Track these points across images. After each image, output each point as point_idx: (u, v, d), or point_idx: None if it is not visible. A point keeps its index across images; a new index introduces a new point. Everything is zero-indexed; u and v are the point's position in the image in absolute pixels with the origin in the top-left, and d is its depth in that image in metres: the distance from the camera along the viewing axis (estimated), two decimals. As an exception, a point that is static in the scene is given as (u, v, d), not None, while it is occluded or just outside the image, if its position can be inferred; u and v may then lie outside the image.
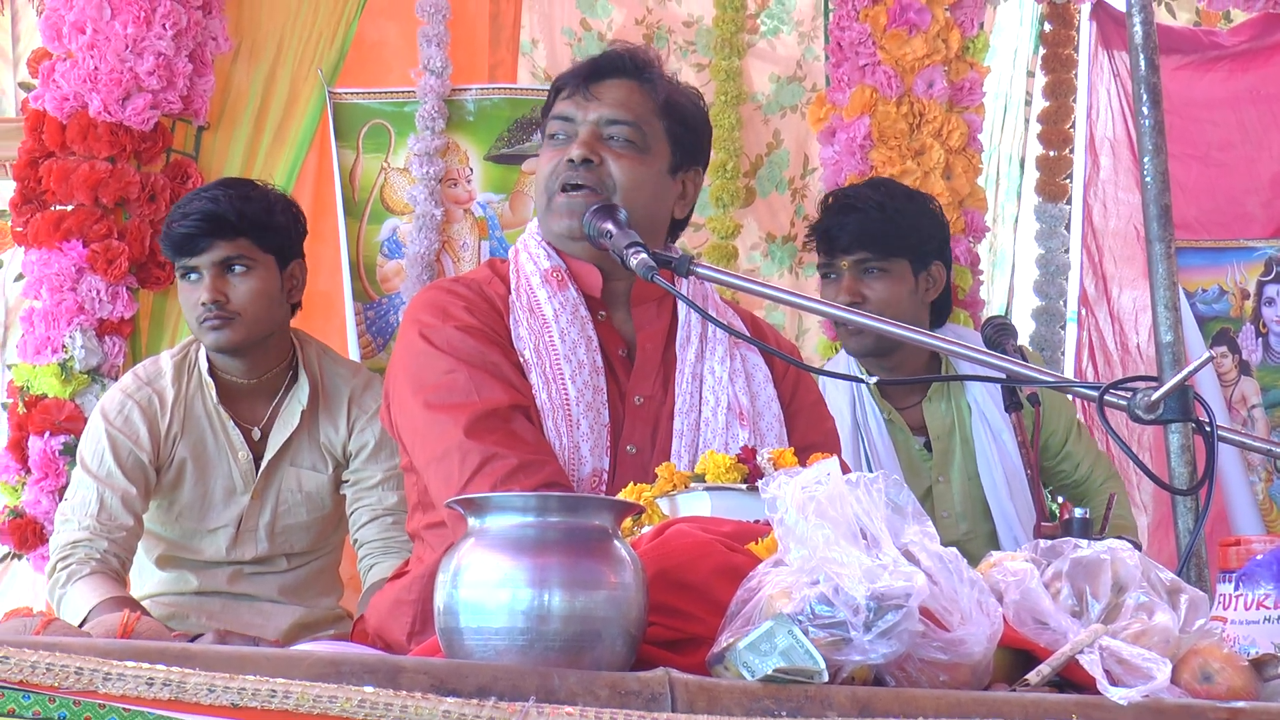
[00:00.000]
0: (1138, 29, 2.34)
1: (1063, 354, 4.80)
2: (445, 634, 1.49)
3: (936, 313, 3.63)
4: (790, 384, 2.54)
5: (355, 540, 3.36)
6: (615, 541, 1.51)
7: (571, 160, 2.42)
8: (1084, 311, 4.86)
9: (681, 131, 2.50)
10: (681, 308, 2.48)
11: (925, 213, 3.57)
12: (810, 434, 2.51)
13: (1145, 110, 2.31)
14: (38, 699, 1.21)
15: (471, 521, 1.52)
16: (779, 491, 1.53)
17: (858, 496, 1.52)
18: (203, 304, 3.15)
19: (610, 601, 1.46)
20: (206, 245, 3.15)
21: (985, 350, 2.37)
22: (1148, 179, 2.31)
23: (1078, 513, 2.79)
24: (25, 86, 4.35)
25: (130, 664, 1.24)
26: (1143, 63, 2.33)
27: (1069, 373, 4.81)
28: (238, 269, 3.17)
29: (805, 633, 1.42)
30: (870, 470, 3.44)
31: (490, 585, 1.46)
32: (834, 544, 1.47)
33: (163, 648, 1.28)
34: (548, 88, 2.59)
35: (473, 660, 1.45)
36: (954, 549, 1.55)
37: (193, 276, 3.19)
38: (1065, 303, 4.78)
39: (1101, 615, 1.59)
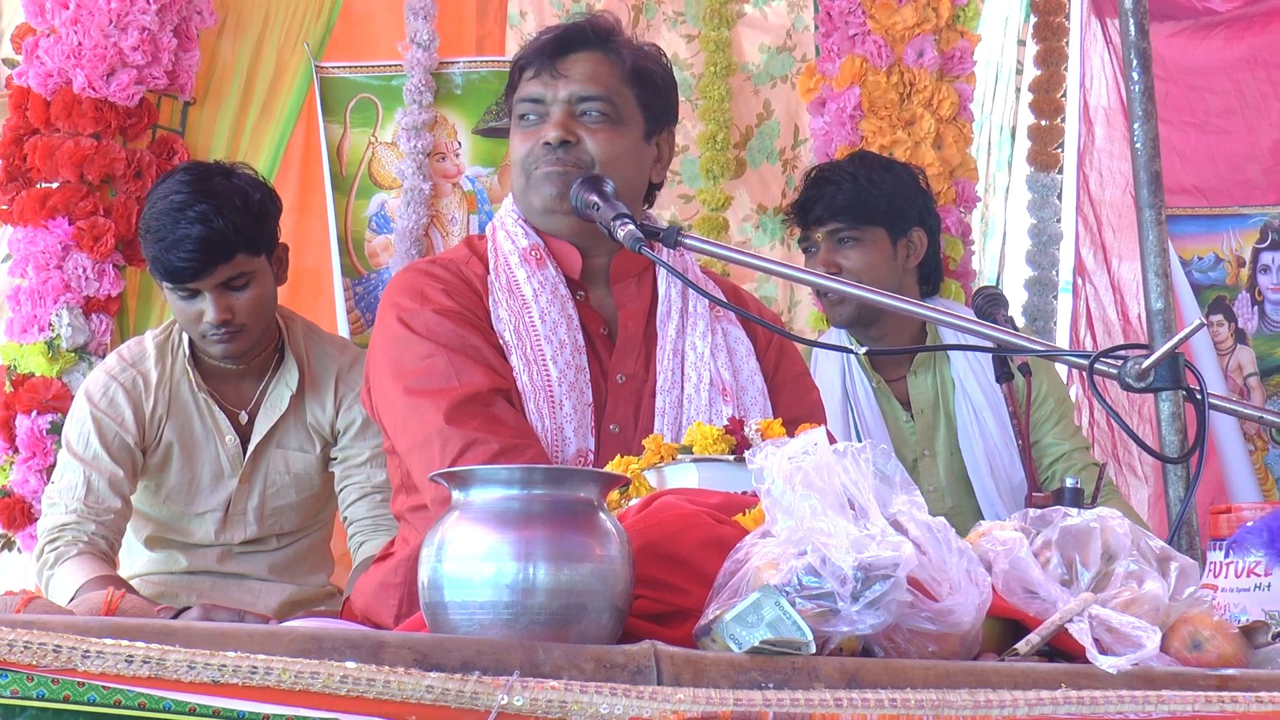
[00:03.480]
0: (1128, -6, 2.33)
1: (1054, 324, 4.78)
2: (430, 608, 1.48)
3: (925, 281, 3.65)
4: (774, 357, 2.52)
5: (344, 518, 3.34)
6: (601, 514, 1.50)
7: (548, 143, 2.39)
8: (1080, 281, 4.84)
9: (651, 97, 2.48)
10: (662, 283, 2.46)
11: (902, 181, 3.60)
12: (795, 407, 2.49)
13: (1135, 76, 2.29)
14: (15, 677, 1.20)
15: (455, 495, 1.50)
16: (766, 462, 1.52)
17: (845, 467, 1.51)
18: (208, 322, 3.08)
19: (596, 574, 1.45)
20: (208, 273, 3.04)
21: (975, 320, 2.36)
22: (1138, 145, 2.30)
23: (1068, 482, 2.79)
24: (9, 63, 4.30)
25: (109, 641, 1.23)
26: (1133, 28, 2.32)
27: (1064, 343, 4.80)
28: (239, 284, 3.08)
29: (792, 604, 1.41)
30: (857, 434, 3.51)
31: (475, 559, 1.44)
32: (821, 514, 1.45)
33: (142, 624, 1.27)
34: None
35: (457, 634, 1.44)
36: (942, 518, 1.54)
37: (189, 295, 3.09)
38: (1058, 273, 4.77)
39: (1091, 584, 1.58)
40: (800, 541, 1.47)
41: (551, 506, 1.47)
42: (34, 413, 3.70)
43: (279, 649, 1.25)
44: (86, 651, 1.22)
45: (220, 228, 3.03)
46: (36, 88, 3.77)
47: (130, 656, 1.22)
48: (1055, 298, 4.76)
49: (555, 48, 2.43)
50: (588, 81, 2.41)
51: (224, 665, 1.23)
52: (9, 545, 3.95)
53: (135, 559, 3.38)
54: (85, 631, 1.23)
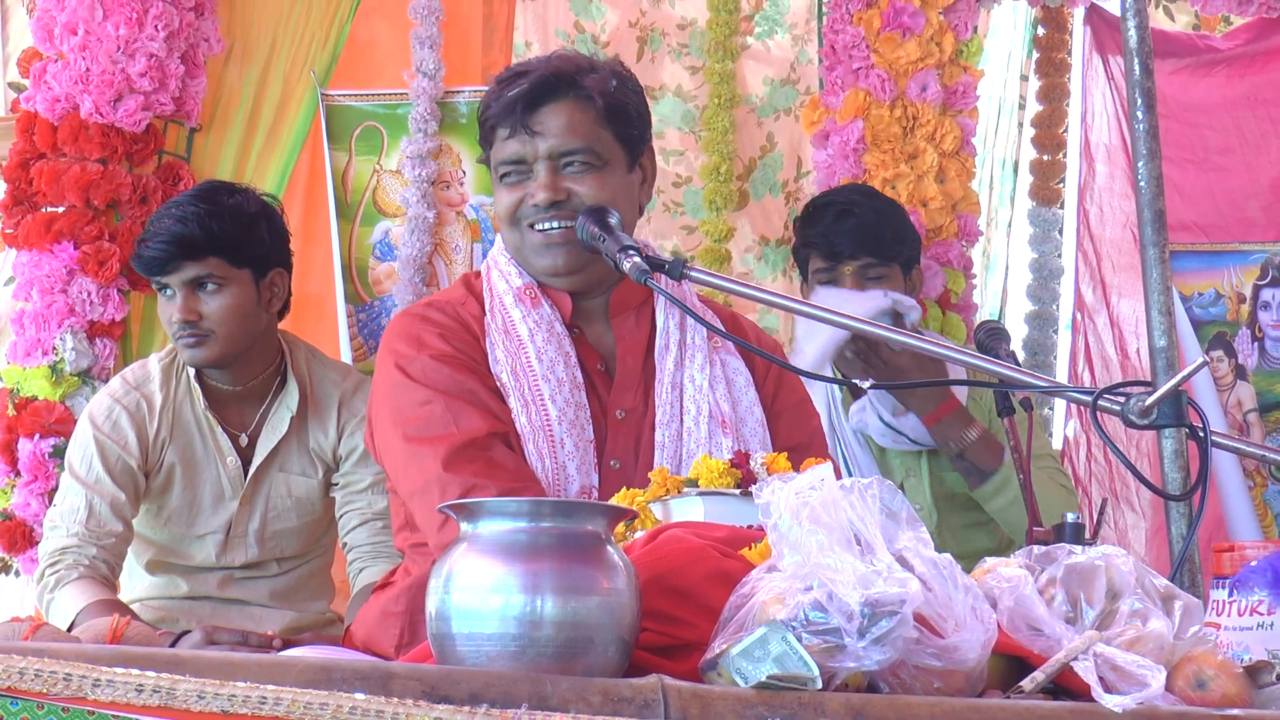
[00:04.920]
0: (1132, 33, 2.34)
1: (1054, 359, 4.80)
2: (437, 639, 1.48)
3: None
4: (772, 385, 2.52)
5: (344, 544, 3.34)
6: (608, 547, 1.50)
7: (537, 205, 2.38)
8: (1080, 316, 4.85)
9: (627, 129, 2.46)
10: (660, 316, 2.46)
11: (905, 218, 3.66)
12: (794, 434, 2.50)
13: (1140, 115, 2.30)
14: (25, 705, 1.20)
15: (464, 527, 1.51)
16: (772, 497, 1.52)
17: (851, 502, 1.52)
18: (175, 322, 3.13)
19: (603, 607, 1.46)
20: (175, 266, 3.10)
21: (976, 354, 2.36)
22: (1142, 184, 2.30)
23: (1069, 517, 2.80)
24: (15, 86, 4.32)
25: (120, 670, 1.23)
26: (1137, 67, 2.32)
27: (1063, 378, 4.80)
28: (209, 287, 3.13)
29: (799, 639, 1.41)
30: (846, 463, 3.53)
31: (483, 590, 1.45)
32: (828, 550, 1.46)
33: (152, 653, 1.27)
34: None
35: (465, 666, 1.44)
36: (948, 555, 1.54)
37: (167, 292, 3.16)
38: (1058, 307, 4.78)
39: (1096, 622, 1.58)
40: (807, 577, 1.47)
41: (559, 539, 1.48)
42: (36, 436, 3.71)
43: (288, 679, 1.26)
44: (97, 680, 1.22)
45: (196, 225, 3.09)
46: (44, 112, 3.79)
47: (140, 686, 1.22)
48: (1055, 332, 4.78)
49: (525, 104, 2.39)
50: (565, 135, 2.39)
51: (233, 695, 1.23)
52: (7, 569, 3.94)
53: (136, 583, 3.38)
54: (96, 660, 1.24)
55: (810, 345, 3.38)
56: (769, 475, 1.87)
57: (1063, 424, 4.84)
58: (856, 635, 1.41)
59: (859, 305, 3.38)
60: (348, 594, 3.70)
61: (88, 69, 3.75)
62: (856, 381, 2.18)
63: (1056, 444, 4.74)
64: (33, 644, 1.30)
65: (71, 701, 1.21)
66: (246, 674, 1.25)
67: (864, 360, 3.44)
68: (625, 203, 2.44)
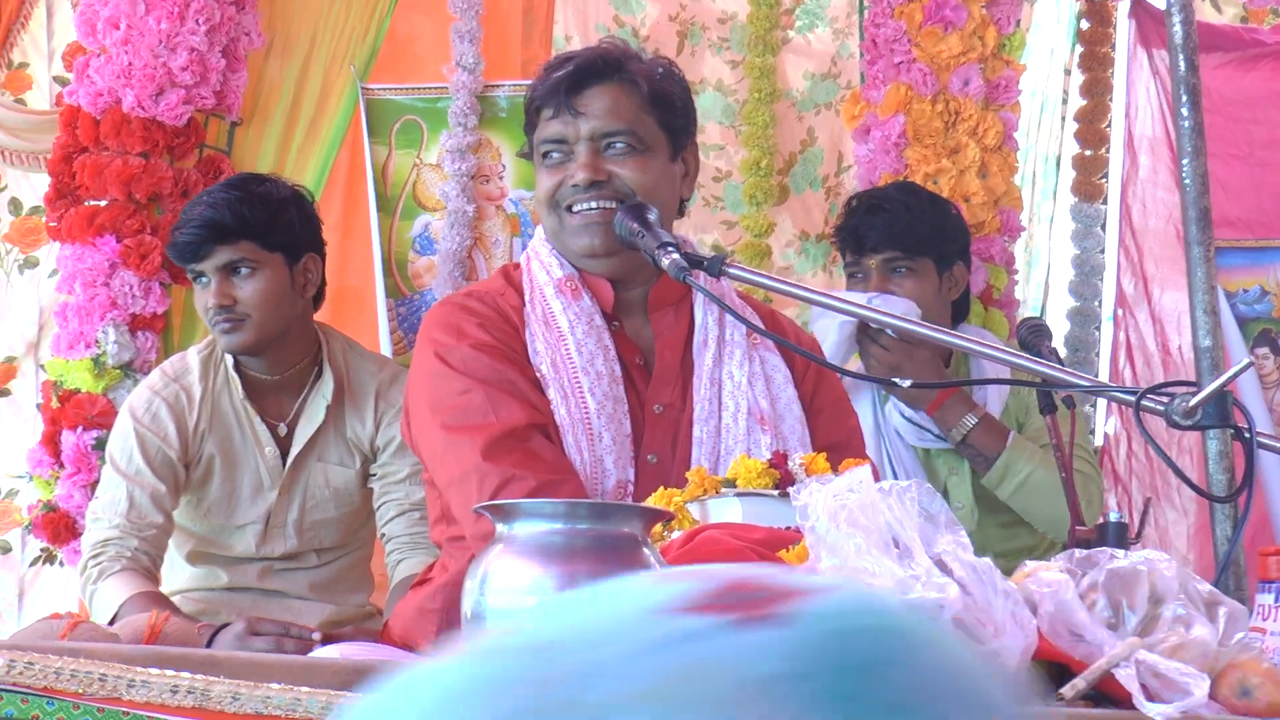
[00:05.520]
0: (1177, 29, 2.31)
1: (1097, 355, 4.76)
2: (472, 641, 1.48)
3: (956, 314, 3.67)
4: (811, 382, 2.50)
5: (382, 535, 3.35)
6: (645, 549, 1.49)
7: (576, 185, 2.37)
8: (1121, 312, 4.81)
9: (671, 117, 2.45)
10: (699, 311, 2.45)
11: (948, 214, 3.62)
12: (834, 433, 2.48)
13: (1185, 112, 2.28)
14: (61, 705, 1.21)
15: (500, 528, 1.50)
16: (810, 499, 1.51)
17: (890, 505, 1.50)
18: (211, 308, 3.16)
19: (639, 610, 1.45)
20: (208, 251, 3.13)
21: (1018, 353, 2.34)
22: (1187, 181, 2.28)
23: (1112, 517, 2.77)
24: (60, 80, 4.36)
25: (155, 671, 1.23)
26: (1182, 63, 2.30)
27: (1104, 374, 4.77)
28: (243, 271, 3.15)
29: (836, 644, 1.40)
30: (890, 462, 3.52)
31: (518, 592, 1.44)
32: (865, 554, 1.45)
33: (187, 654, 1.27)
34: None
35: (500, 668, 1.43)
36: (988, 559, 1.53)
37: (202, 280, 3.18)
38: (1100, 303, 4.74)
39: (1138, 628, 1.56)
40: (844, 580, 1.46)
41: (595, 541, 1.47)
42: (79, 429, 3.73)
43: (322, 681, 1.26)
44: (132, 681, 1.22)
45: (227, 210, 3.12)
46: (86, 106, 3.81)
47: (175, 687, 1.22)
48: (1097, 328, 4.74)
49: (570, 84, 2.39)
50: (608, 116, 2.39)
51: (268, 697, 1.23)
52: (52, 559, 3.98)
53: (177, 575, 3.40)
54: (131, 660, 1.24)
55: (820, 327, 3.39)
56: (807, 476, 1.86)
57: (1103, 421, 4.80)
58: (894, 641, 1.39)
59: (832, 320, 3.40)
60: (387, 587, 3.72)
61: (130, 63, 3.77)
62: (896, 381, 2.16)
63: (1097, 441, 4.70)
64: (69, 644, 1.31)
65: (107, 702, 1.21)
66: (281, 676, 1.25)
67: (861, 355, 3.45)
68: (666, 192, 2.44)
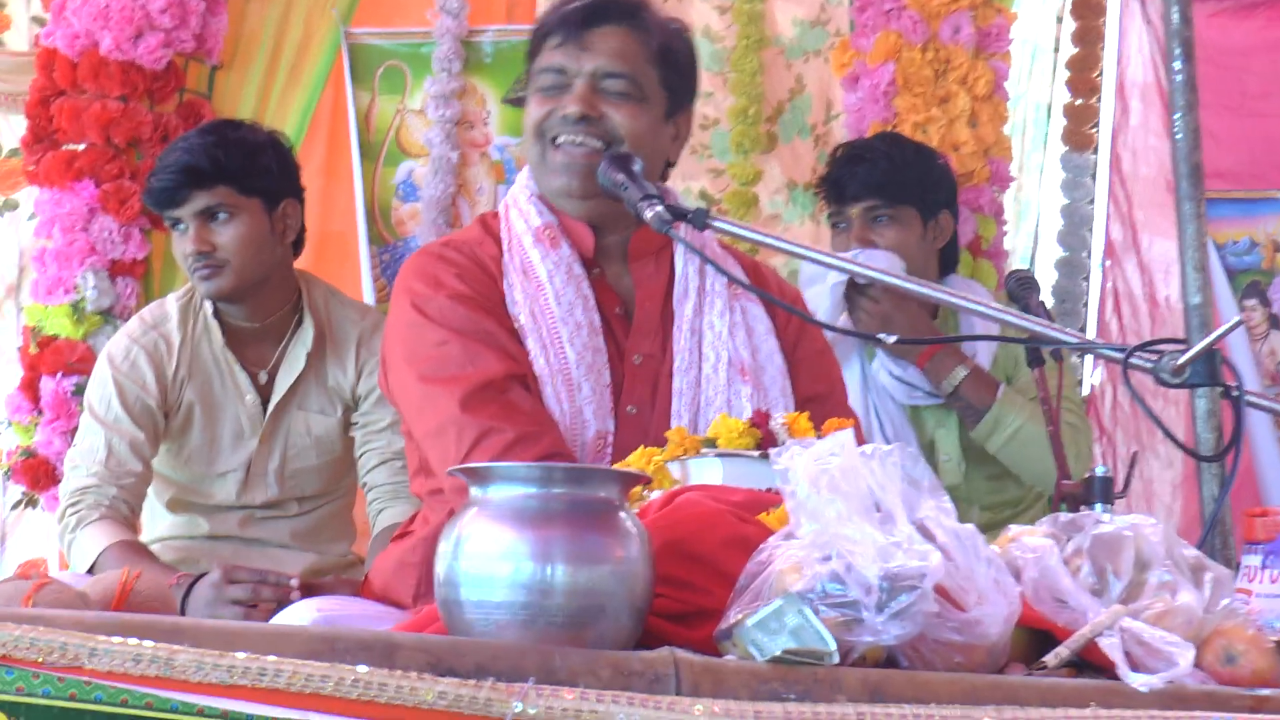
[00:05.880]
0: (1172, -20, 2.27)
1: (1084, 306, 4.73)
2: (445, 605, 1.45)
3: (944, 264, 3.64)
4: (793, 334, 2.47)
5: (364, 484, 3.33)
6: (621, 513, 1.47)
7: (567, 116, 2.34)
8: (1109, 262, 4.78)
9: (674, 77, 2.42)
10: (679, 261, 2.41)
11: (932, 163, 3.60)
12: (815, 384, 2.45)
13: (1177, 65, 2.24)
14: (21, 674, 1.18)
15: (474, 491, 1.48)
16: (791, 463, 1.48)
17: (872, 469, 1.48)
18: (189, 254, 3.12)
19: (615, 576, 1.42)
20: (185, 197, 3.10)
21: (1004, 309, 2.31)
22: (1178, 136, 2.25)
23: (1099, 471, 2.75)
24: (39, 21, 4.29)
25: (117, 640, 1.20)
26: (1175, 15, 2.26)
27: (1091, 324, 4.75)
28: (220, 216, 3.13)
29: (816, 612, 1.38)
30: (877, 416, 3.50)
31: (492, 557, 1.42)
32: (847, 520, 1.42)
33: (151, 621, 1.25)
34: None
35: (472, 633, 1.41)
36: (971, 525, 1.50)
37: (180, 227, 3.16)
38: (1089, 254, 4.71)
39: (1123, 594, 1.54)
40: (825, 546, 1.44)
41: (571, 505, 1.44)
42: (59, 375, 3.70)
43: (290, 650, 1.23)
44: (94, 650, 1.19)
45: (203, 155, 3.09)
46: (64, 49, 3.75)
47: (138, 656, 1.20)
48: (1085, 279, 4.71)
49: (583, 18, 2.37)
50: (614, 57, 2.36)
51: (233, 667, 1.20)
52: (33, 503, 3.96)
53: (157, 523, 3.38)
54: (94, 628, 1.21)
55: (811, 295, 3.35)
56: (790, 436, 1.83)
57: (1089, 372, 4.78)
58: (875, 609, 1.37)
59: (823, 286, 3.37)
60: (369, 536, 3.70)
61: (107, 5, 3.71)
62: (881, 336, 2.13)
63: (1084, 392, 4.68)
64: (30, 610, 1.28)
65: (67, 671, 1.19)
66: (247, 644, 1.22)
67: (850, 309, 3.43)
68: (653, 147, 2.40)
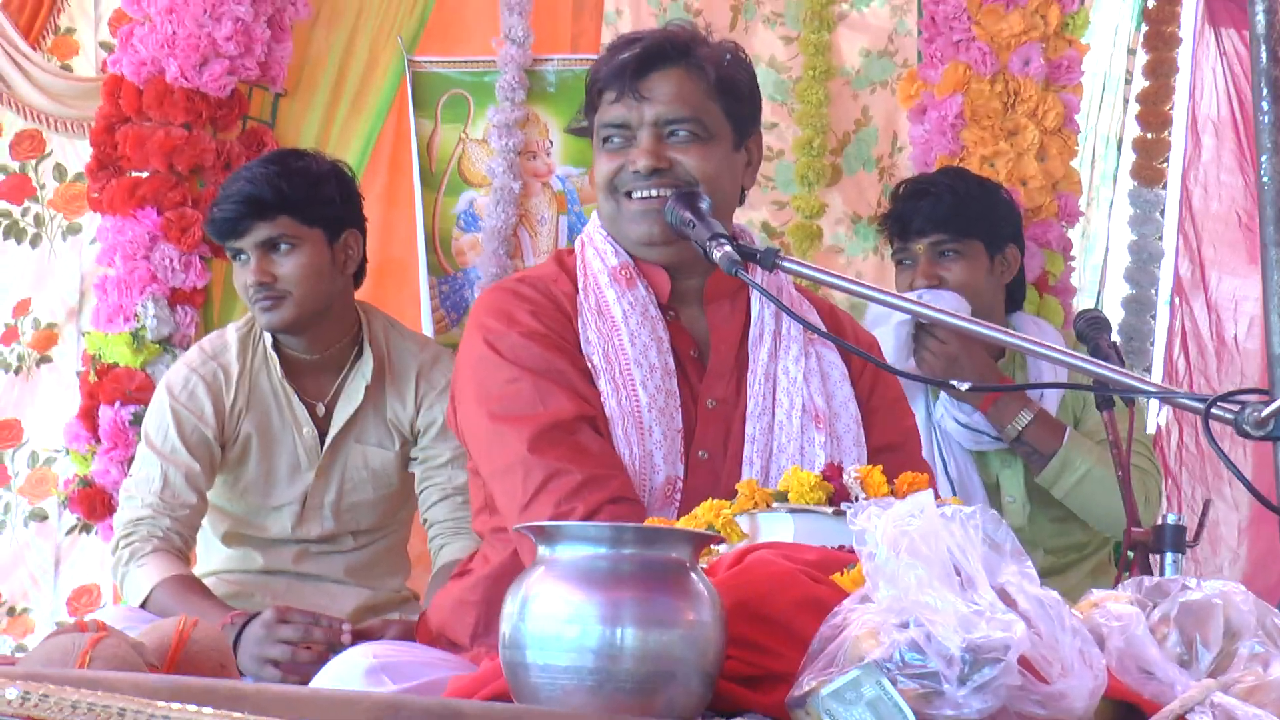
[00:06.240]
0: (1260, 18, 2.20)
1: (1151, 344, 4.65)
2: (510, 667, 1.41)
3: (1011, 300, 3.59)
4: (869, 381, 2.43)
5: (425, 520, 3.30)
6: (693, 575, 1.42)
7: (637, 171, 2.30)
8: (1178, 300, 4.70)
9: (737, 106, 2.38)
10: (755, 305, 2.37)
11: (997, 197, 3.55)
12: (889, 433, 2.41)
13: (1265, 105, 2.16)
14: (78, 740, 1.15)
15: (541, 550, 1.43)
16: (869, 524, 1.44)
17: (953, 532, 1.43)
18: (250, 285, 3.10)
19: (686, 640, 1.38)
20: (247, 227, 3.09)
21: (1076, 354, 2.24)
22: (1265, 179, 2.17)
23: (1170, 519, 2.68)
24: (106, 47, 4.30)
25: (176, 706, 1.16)
26: (1264, 54, 2.19)
27: (1158, 363, 4.67)
28: (282, 247, 3.11)
29: (894, 683, 1.32)
30: (941, 456, 3.43)
31: (559, 619, 1.37)
32: (927, 586, 1.37)
33: (210, 686, 1.21)
34: None
35: (538, 698, 1.37)
36: (1055, 592, 1.45)
37: (241, 258, 3.14)
38: (1156, 291, 4.63)
39: (1212, 666, 1.48)
40: (903, 612, 1.38)
41: (641, 567, 1.40)
42: (117, 403, 3.69)
43: (352, 717, 1.19)
44: (152, 716, 1.16)
45: (265, 185, 3.08)
46: (130, 76, 3.75)
47: (198, 723, 1.16)
48: (1153, 317, 4.63)
49: (636, 68, 2.32)
50: (673, 102, 2.32)
51: (295, 735, 1.17)
52: (88, 528, 3.95)
53: (212, 556, 3.36)
54: (154, 694, 1.18)
55: (878, 335, 3.32)
56: (862, 490, 1.78)
57: (1155, 412, 4.70)
58: (957, 682, 1.32)
59: (887, 328, 3.32)
60: (424, 569, 3.67)
61: (174, 32, 3.71)
62: (955, 384, 2.08)
63: (1149, 430, 4.59)
64: (88, 673, 1.25)
65: (126, 737, 1.15)
66: (310, 711, 1.19)
67: (915, 349, 3.38)
68: (727, 181, 2.36)
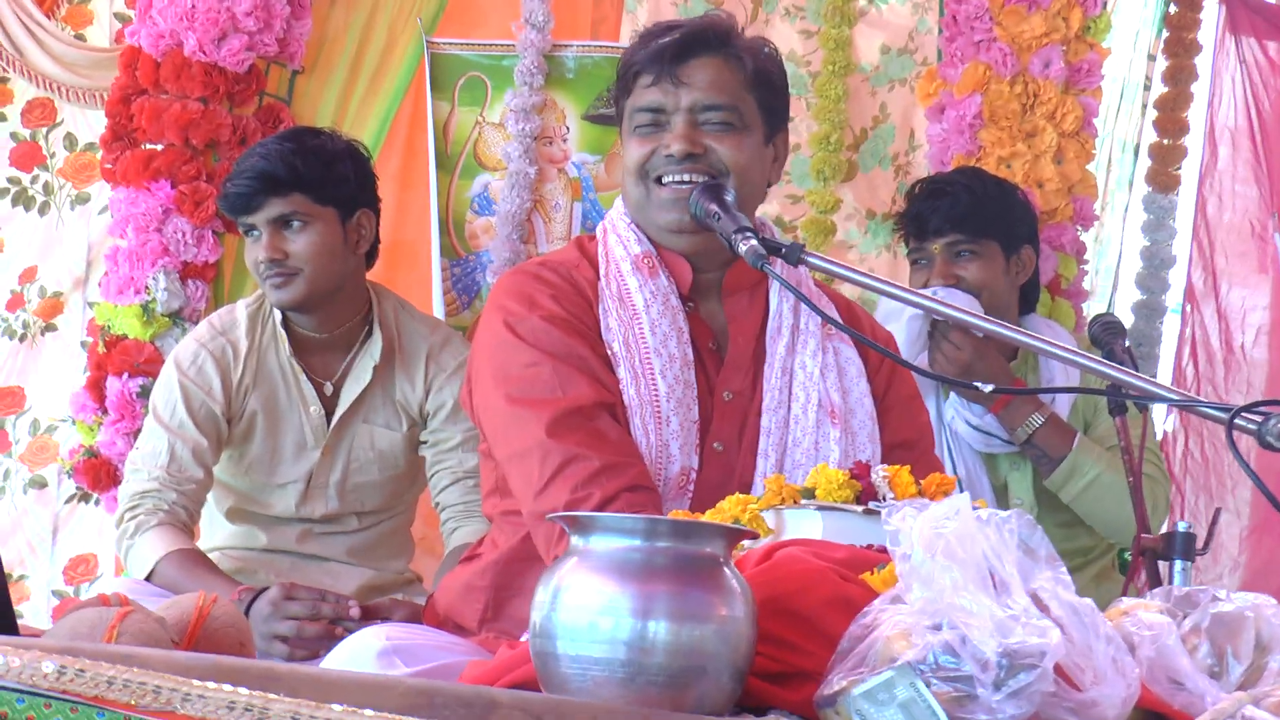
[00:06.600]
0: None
1: (1159, 350, 4.64)
2: (540, 657, 1.40)
3: (1025, 300, 3.59)
4: (885, 378, 2.43)
5: (437, 503, 3.30)
6: (726, 570, 1.41)
7: (671, 155, 2.29)
8: (1189, 307, 4.70)
9: (771, 99, 2.38)
10: (774, 298, 2.37)
11: (1014, 197, 3.55)
12: (904, 430, 2.41)
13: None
14: (113, 716, 1.14)
15: (574, 540, 1.42)
16: (903, 525, 1.43)
17: (988, 535, 1.42)
18: (261, 262, 3.09)
19: (719, 635, 1.37)
20: (260, 203, 3.08)
21: (1094, 357, 2.24)
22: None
23: (1181, 527, 2.67)
24: (120, 17, 4.28)
25: (212, 685, 1.16)
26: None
27: (1166, 370, 4.66)
28: (295, 224, 3.11)
29: (927, 684, 1.31)
30: (951, 456, 3.43)
31: (591, 611, 1.36)
32: (962, 589, 1.36)
33: (244, 666, 1.20)
34: None
35: (568, 688, 1.36)
36: (1089, 600, 1.44)
37: (254, 234, 3.14)
38: (1167, 297, 4.63)
39: (1242, 677, 1.47)
40: (936, 615, 1.37)
41: (675, 560, 1.39)
42: (125, 375, 3.67)
43: (388, 703, 1.18)
44: (188, 695, 1.15)
45: (280, 162, 3.07)
46: (147, 48, 3.73)
47: (233, 703, 1.15)
48: (1162, 322, 4.63)
49: (676, 53, 2.32)
50: (711, 89, 2.31)
51: (330, 718, 1.16)
52: (86, 498, 3.94)
53: (216, 531, 3.35)
54: (187, 671, 1.17)
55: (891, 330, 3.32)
56: (890, 490, 1.77)
57: (1162, 418, 4.70)
58: (991, 687, 1.31)
59: (899, 322, 3.31)
60: (425, 552, 3.66)
61: (193, 6, 3.68)
62: (978, 385, 2.07)
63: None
64: (122, 648, 1.24)
65: (159, 715, 1.15)
66: (343, 695, 1.18)
67: (930, 348, 3.37)
68: (756, 173, 2.36)
